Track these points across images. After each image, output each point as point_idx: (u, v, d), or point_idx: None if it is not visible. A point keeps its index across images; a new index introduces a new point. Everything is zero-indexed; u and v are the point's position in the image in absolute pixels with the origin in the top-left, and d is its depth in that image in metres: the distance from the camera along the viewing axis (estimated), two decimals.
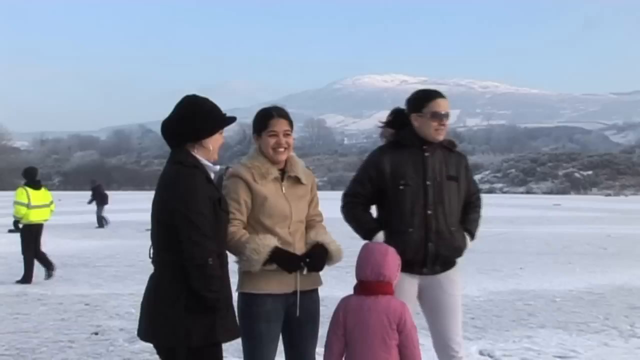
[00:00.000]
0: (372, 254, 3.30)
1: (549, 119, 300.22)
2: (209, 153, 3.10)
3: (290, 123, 3.50)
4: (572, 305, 8.26)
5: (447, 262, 3.73)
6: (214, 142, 3.11)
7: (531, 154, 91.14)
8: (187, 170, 2.97)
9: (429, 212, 3.66)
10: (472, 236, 3.85)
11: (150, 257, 3.06)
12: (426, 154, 3.72)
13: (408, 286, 3.64)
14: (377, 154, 3.82)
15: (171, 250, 2.92)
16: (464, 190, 3.82)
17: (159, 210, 2.99)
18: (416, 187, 3.67)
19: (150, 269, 3.08)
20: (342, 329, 3.22)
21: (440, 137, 3.72)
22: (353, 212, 3.81)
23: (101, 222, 22.78)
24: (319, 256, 3.40)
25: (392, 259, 3.29)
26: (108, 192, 25.74)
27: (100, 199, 23.60)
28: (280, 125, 3.44)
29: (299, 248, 3.39)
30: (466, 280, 9.96)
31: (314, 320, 3.47)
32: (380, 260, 3.25)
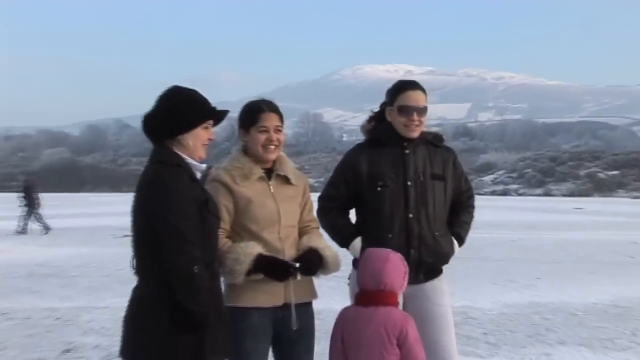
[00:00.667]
0: (371, 260, 3.30)
1: (569, 113, 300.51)
2: (189, 150, 3.06)
3: (281, 118, 3.51)
4: (595, 320, 8.27)
5: (431, 269, 3.73)
6: (194, 139, 3.06)
7: (550, 152, 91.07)
8: (168, 170, 2.95)
9: (410, 215, 3.65)
10: (461, 241, 3.84)
11: (132, 267, 3.05)
12: (407, 152, 3.71)
13: None
14: (353, 153, 3.82)
15: (154, 259, 2.90)
16: (451, 189, 3.80)
17: (138, 214, 2.97)
18: (396, 188, 3.67)
19: (129, 279, 3.07)
20: (340, 343, 3.22)
21: (413, 134, 3.69)
22: (327, 217, 3.80)
23: (25, 228, 22.41)
24: (310, 259, 3.36)
25: (394, 266, 3.28)
26: (81, 194, 25.62)
27: (31, 202, 23.08)
28: (271, 120, 3.44)
29: (290, 256, 3.37)
30: (477, 292, 10.00)
31: (308, 336, 3.44)
32: (380, 268, 3.24)
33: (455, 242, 3.80)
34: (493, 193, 76.09)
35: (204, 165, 3.14)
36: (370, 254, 3.36)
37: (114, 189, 79.10)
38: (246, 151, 3.49)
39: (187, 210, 2.90)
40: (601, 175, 79.49)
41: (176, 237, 2.84)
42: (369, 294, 3.23)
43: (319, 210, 3.80)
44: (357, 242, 3.70)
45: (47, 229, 22.10)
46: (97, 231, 22.33)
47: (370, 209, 3.71)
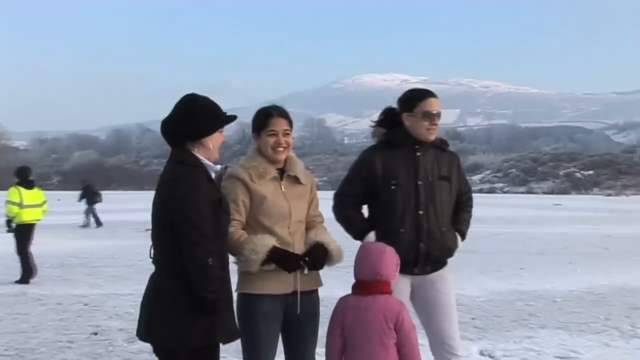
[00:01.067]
0: (369, 253, 3.31)
1: (549, 118, 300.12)
2: (209, 152, 3.08)
3: (290, 122, 3.50)
4: (573, 306, 8.26)
5: (438, 262, 3.75)
6: (214, 141, 3.09)
7: (532, 153, 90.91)
8: (187, 170, 2.96)
9: (421, 212, 3.66)
10: (463, 236, 3.86)
11: (150, 257, 3.05)
12: (418, 154, 3.72)
13: (401, 286, 3.63)
14: (368, 154, 3.82)
15: (171, 251, 2.91)
16: (455, 190, 3.83)
17: (159, 210, 2.99)
18: (408, 187, 3.68)
19: (149, 269, 3.07)
20: (340, 329, 3.22)
21: (432, 137, 3.72)
22: (344, 212, 3.80)
23: (96, 220, 22.65)
24: (318, 255, 3.39)
25: (390, 258, 3.29)
26: (107, 191, 25.78)
27: (91, 198, 23.34)
28: (280, 124, 3.43)
29: (299, 248, 3.39)
30: (466, 280, 9.98)
31: (314, 320, 3.47)
32: (377, 260, 3.25)
33: (458, 237, 3.83)
34: (480, 191, 75.93)
35: (218, 166, 3.17)
36: (368, 247, 3.37)
37: (137, 187, 79.27)
38: (260, 152, 3.49)
39: (204, 207, 2.91)
40: (578, 175, 79.41)
41: (194, 231, 2.86)
42: (367, 284, 3.23)
43: (337, 206, 3.82)
44: (372, 236, 3.70)
45: (99, 223, 22.51)
46: (121, 225, 22.36)
47: (384, 206, 3.71)
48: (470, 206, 3.98)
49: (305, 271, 3.34)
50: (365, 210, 3.88)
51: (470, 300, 8.52)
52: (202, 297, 2.86)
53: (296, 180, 3.49)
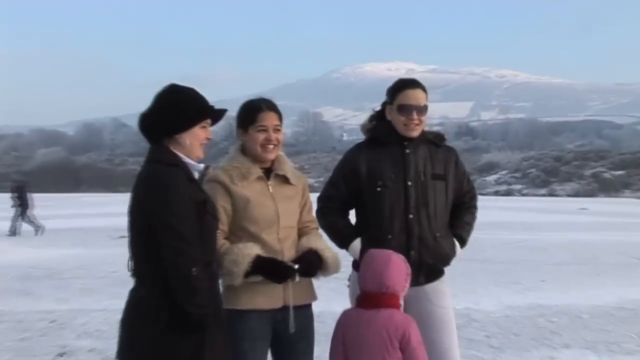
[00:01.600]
0: (373, 262, 3.30)
1: (574, 111, 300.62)
2: (186, 150, 3.07)
3: (280, 117, 3.51)
4: (601, 323, 8.26)
5: (432, 271, 3.73)
6: (192, 138, 3.07)
7: (554, 151, 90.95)
8: (165, 169, 2.96)
9: (411, 216, 3.65)
10: (463, 242, 3.84)
11: (129, 269, 3.05)
12: (407, 151, 3.70)
13: None
14: (352, 152, 3.84)
15: (151, 261, 2.91)
16: (453, 189, 3.80)
17: (135, 215, 2.98)
18: (395, 188, 3.67)
19: (124, 281, 3.07)
20: (341, 346, 3.23)
21: (412, 134, 3.69)
22: (327, 217, 3.81)
23: (16, 230, 22.32)
24: (311, 260, 3.37)
25: (396, 267, 3.28)
26: (76, 194, 25.63)
27: (23, 203, 22.98)
28: (270, 119, 3.44)
29: (289, 257, 3.38)
30: (480, 294, 9.98)
31: (308, 339, 3.46)
32: (381, 270, 3.25)
33: (457, 243, 3.79)
34: (496, 193, 76.01)
35: (201, 165, 3.14)
36: (372, 255, 3.36)
37: (110, 189, 79.08)
38: (244, 151, 3.49)
39: (185, 211, 2.91)
40: (606, 175, 79.44)
41: (174, 238, 2.85)
42: (370, 296, 3.23)
43: (319, 211, 3.81)
44: (357, 244, 3.70)
45: (39, 228, 22.07)
46: (92, 232, 22.31)
47: (370, 210, 3.71)
48: (474, 207, 3.96)
49: (297, 279, 3.31)
50: (353, 215, 3.88)
51: (485, 316, 8.52)
52: (187, 312, 2.85)
53: (285, 180, 3.49)
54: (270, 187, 3.44)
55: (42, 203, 23.92)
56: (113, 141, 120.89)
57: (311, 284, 3.51)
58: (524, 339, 7.35)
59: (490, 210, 32.19)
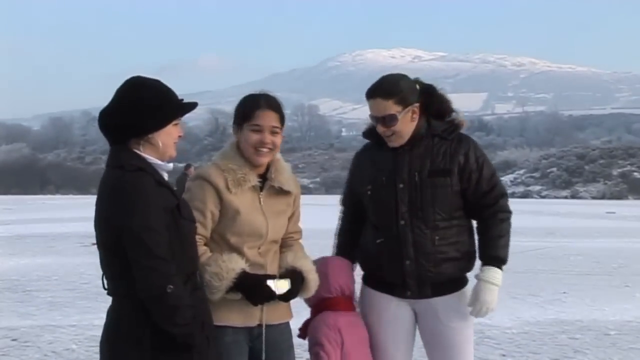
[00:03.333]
0: (329, 268, 3.73)
1: (600, 104, 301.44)
2: (159, 151, 3.06)
3: (281, 118, 3.49)
4: (630, 340, 8.28)
5: (438, 282, 3.68)
6: (166, 137, 3.07)
7: (577, 148, 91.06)
8: (130, 176, 2.93)
9: (402, 222, 3.65)
10: (500, 261, 3.67)
11: (104, 287, 3.05)
12: (399, 151, 3.69)
13: (396, 310, 3.69)
14: (356, 154, 3.98)
15: (127, 277, 2.90)
16: (457, 184, 3.66)
17: (102, 229, 2.98)
18: (386, 192, 3.68)
19: (97, 293, 3.09)
20: (340, 347, 3.53)
21: (393, 144, 3.69)
22: (338, 226, 4.05)
23: None
24: (293, 286, 3.42)
25: (339, 270, 3.75)
26: (42, 196, 25.62)
27: None
28: (268, 118, 3.41)
29: (272, 270, 3.43)
30: (495, 308, 9.96)
31: (289, 355, 3.52)
32: (335, 274, 3.74)
33: (489, 268, 3.65)
34: (513, 195, 75.97)
35: (170, 165, 3.12)
36: (326, 262, 3.75)
37: (81, 190, 79.09)
38: (240, 150, 3.47)
39: (156, 222, 2.89)
40: (636, 174, 79.58)
41: (144, 255, 2.85)
42: (346, 300, 3.68)
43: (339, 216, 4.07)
44: None
45: None
46: (60, 239, 22.29)
47: (368, 214, 3.81)
48: (502, 211, 3.73)
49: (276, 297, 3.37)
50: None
51: (500, 332, 8.53)
52: (170, 333, 2.87)
53: (280, 191, 3.49)
54: (261, 200, 3.43)
55: (3, 206, 23.88)
56: (84, 137, 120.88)
57: (288, 303, 3.56)
58: (543, 358, 7.36)
59: None
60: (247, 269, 3.29)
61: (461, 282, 3.77)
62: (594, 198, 73.46)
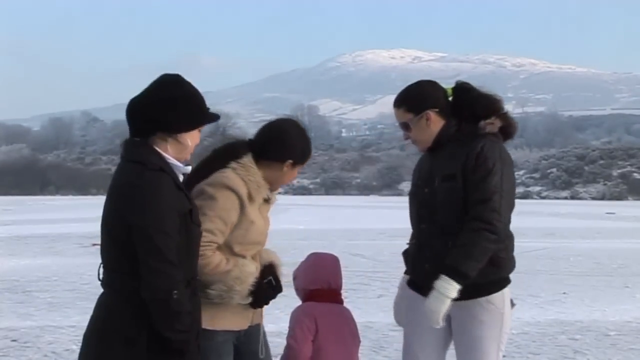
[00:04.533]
0: (322, 262, 3.93)
1: (600, 104, 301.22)
2: (184, 151, 3.08)
3: None
4: (630, 341, 8.28)
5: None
6: (192, 139, 3.09)
7: (577, 149, 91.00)
8: (150, 175, 2.92)
9: (423, 226, 3.75)
10: (455, 274, 3.43)
11: (99, 278, 3.03)
12: (428, 155, 3.82)
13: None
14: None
15: (130, 275, 2.90)
16: (461, 189, 3.56)
17: (112, 221, 2.96)
18: (413, 196, 3.84)
19: (98, 294, 3.05)
20: (313, 334, 3.71)
21: (418, 149, 3.84)
22: None
23: None
24: (278, 280, 3.63)
25: (334, 266, 3.93)
26: (42, 196, 25.61)
27: None
28: (301, 166, 3.66)
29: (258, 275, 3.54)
30: None
31: (269, 355, 3.67)
32: (331, 269, 3.93)
33: (443, 277, 3.45)
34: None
35: (188, 168, 3.15)
36: (319, 257, 3.94)
37: (81, 191, 79.19)
38: (259, 164, 3.53)
39: (171, 227, 2.89)
40: (636, 175, 79.57)
41: (155, 258, 2.84)
42: (331, 292, 3.83)
43: None
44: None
45: None
46: (60, 239, 22.28)
47: None
48: (478, 220, 3.48)
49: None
50: None
51: None
52: (167, 338, 2.86)
53: (266, 201, 3.64)
54: (267, 211, 3.62)
55: (3, 207, 23.88)
56: (84, 138, 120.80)
57: None
58: (543, 359, 7.35)
59: None
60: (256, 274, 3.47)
61: (485, 288, 3.63)
62: (593, 199, 73.47)
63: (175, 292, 2.84)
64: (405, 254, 3.93)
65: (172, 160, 3.03)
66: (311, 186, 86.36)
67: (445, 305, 3.43)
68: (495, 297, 3.66)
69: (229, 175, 3.42)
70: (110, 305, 2.98)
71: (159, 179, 2.93)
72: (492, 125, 3.65)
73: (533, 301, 10.96)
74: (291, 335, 3.68)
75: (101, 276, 3.04)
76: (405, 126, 3.73)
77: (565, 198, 74.86)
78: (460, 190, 3.56)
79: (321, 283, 3.82)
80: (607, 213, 41.53)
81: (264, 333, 3.69)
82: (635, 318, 9.68)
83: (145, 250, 2.84)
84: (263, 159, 3.51)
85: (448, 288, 3.42)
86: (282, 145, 3.52)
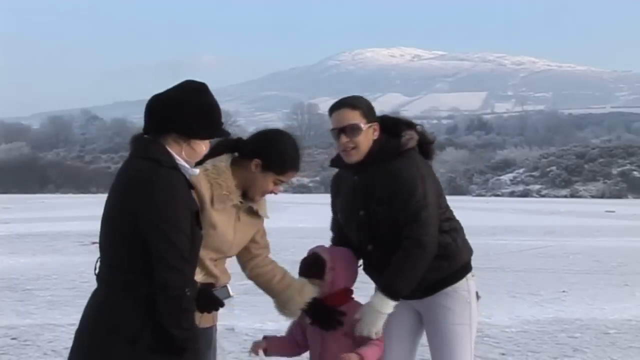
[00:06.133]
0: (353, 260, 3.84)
1: (600, 103, 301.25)
2: (194, 157, 3.09)
3: None
4: (629, 339, 8.28)
5: (423, 287, 3.69)
6: (202, 147, 3.11)
7: (577, 147, 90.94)
8: (165, 172, 2.92)
9: (369, 247, 3.74)
10: (387, 291, 3.57)
11: (95, 272, 3.03)
12: (355, 177, 3.76)
13: (396, 310, 3.68)
14: (330, 181, 4.09)
15: (134, 272, 2.90)
16: (395, 210, 3.61)
17: (119, 217, 2.94)
18: (349, 219, 3.81)
19: None
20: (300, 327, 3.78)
21: (351, 159, 3.70)
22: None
23: None
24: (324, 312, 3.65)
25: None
26: (42, 195, 25.63)
27: None
28: (290, 178, 3.58)
29: (224, 281, 3.48)
30: (494, 306, 9.97)
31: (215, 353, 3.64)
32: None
33: (378, 294, 3.59)
34: (512, 194, 76.17)
35: (197, 170, 3.15)
36: (353, 256, 3.81)
37: (81, 189, 79.16)
38: (236, 167, 3.47)
39: (185, 224, 2.91)
40: (636, 174, 79.57)
41: (172, 255, 2.84)
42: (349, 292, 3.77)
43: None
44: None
45: None
46: (60, 237, 22.29)
47: None
48: (408, 237, 3.56)
49: (231, 295, 3.44)
50: None
51: (500, 331, 8.53)
52: (170, 334, 2.86)
53: (255, 213, 3.56)
54: (238, 218, 3.48)
55: (2, 205, 23.89)
56: (84, 136, 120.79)
57: None
58: (543, 357, 7.36)
59: (505, 213, 32.24)
60: (201, 280, 3.32)
61: (451, 278, 3.76)
62: (593, 197, 73.47)
63: (187, 289, 2.87)
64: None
65: (181, 161, 3.03)
66: (311, 184, 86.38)
67: (381, 320, 3.56)
68: (460, 285, 3.76)
69: (199, 173, 3.38)
70: (111, 302, 2.96)
71: (175, 176, 2.94)
72: (412, 139, 3.70)
73: (533, 299, 10.96)
74: (376, 333, 3.59)
75: (97, 270, 3.04)
76: (356, 128, 3.63)
77: (565, 196, 74.84)
78: (395, 211, 3.61)
79: (354, 280, 3.81)
80: (607, 211, 41.54)
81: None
82: (634, 316, 9.68)
83: (162, 247, 2.84)
84: (240, 158, 3.49)
85: (383, 305, 3.56)
86: (256, 142, 3.49)
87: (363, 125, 3.64)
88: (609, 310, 10.12)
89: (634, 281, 13.08)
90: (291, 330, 3.84)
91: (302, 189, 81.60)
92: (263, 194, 3.51)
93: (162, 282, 2.84)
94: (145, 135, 3.06)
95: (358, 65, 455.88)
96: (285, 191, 77.07)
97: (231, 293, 3.40)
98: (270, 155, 3.45)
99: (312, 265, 3.70)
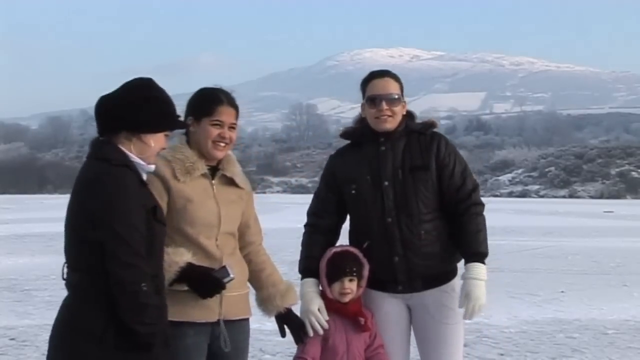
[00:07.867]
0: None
1: (598, 103, 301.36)
2: (147, 151, 3.08)
3: (238, 115, 3.58)
4: (628, 340, 8.29)
5: (427, 275, 3.73)
6: (156, 142, 3.10)
7: (576, 147, 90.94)
8: (115, 170, 2.96)
9: (389, 219, 3.71)
10: (480, 256, 3.69)
11: (63, 277, 3.05)
12: (382, 148, 3.76)
13: (389, 307, 3.72)
14: (331, 158, 4.01)
15: (94, 273, 2.92)
16: (436, 178, 3.75)
17: (77, 220, 2.98)
18: (370, 190, 3.75)
19: None
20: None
21: (386, 126, 3.75)
22: (306, 238, 3.94)
23: None
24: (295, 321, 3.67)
25: None
26: (40, 195, 25.60)
27: None
28: (229, 115, 3.50)
29: (226, 262, 3.42)
30: (493, 307, 9.93)
31: (242, 355, 3.57)
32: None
33: (473, 265, 3.67)
34: (510, 194, 76.11)
35: (152, 166, 3.15)
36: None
37: None
38: (190, 142, 3.51)
39: (136, 219, 2.93)
40: (635, 174, 79.57)
41: (123, 251, 2.87)
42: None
43: (306, 226, 3.96)
44: (306, 283, 3.79)
45: None
46: (59, 238, 22.17)
47: (351, 216, 3.87)
48: (475, 204, 3.78)
49: (231, 276, 3.33)
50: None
51: (498, 331, 8.54)
52: (134, 331, 2.88)
53: (230, 182, 3.54)
54: (214, 187, 3.47)
55: (1, 205, 23.87)
56: (82, 136, 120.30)
57: (247, 298, 3.59)
58: (541, 357, 7.37)
59: (504, 214, 32.21)
60: (194, 261, 3.31)
61: (452, 274, 3.83)
62: (592, 197, 73.45)
63: (143, 284, 2.88)
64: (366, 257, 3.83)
65: (135, 158, 3.05)
66: (310, 184, 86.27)
67: (485, 288, 3.65)
68: (456, 283, 3.81)
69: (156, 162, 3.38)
70: (74, 304, 3.00)
71: (125, 174, 2.97)
72: (436, 123, 3.90)
73: (531, 300, 10.97)
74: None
75: (66, 277, 3.05)
76: (394, 99, 3.76)
77: (564, 197, 74.81)
78: (434, 180, 3.73)
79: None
80: (606, 212, 41.53)
81: (246, 332, 3.60)
82: (633, 316, 9.69)
83: (114, 245, 2.87)
84: (186, 133, 3.52)
85: (482, 273, 3.65)
86: (185, 109, 3.55)
87: (401, 98, 3.80)
88: (607, 310, 10.13)
89: (633, 281, 13.09)
90: (308, 351, 3.69)
91: (301, 190, 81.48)
92: (214, 145, 3.46)
93: (116, 279, 2.86)
94: (101, 137, 3.10)
95: (357, 66, 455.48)
96: (285, 191, 77.09)
97: (231, 274, 3.33)
98: (193, 105, 3.51)
99: (353, 264, 3.68)
